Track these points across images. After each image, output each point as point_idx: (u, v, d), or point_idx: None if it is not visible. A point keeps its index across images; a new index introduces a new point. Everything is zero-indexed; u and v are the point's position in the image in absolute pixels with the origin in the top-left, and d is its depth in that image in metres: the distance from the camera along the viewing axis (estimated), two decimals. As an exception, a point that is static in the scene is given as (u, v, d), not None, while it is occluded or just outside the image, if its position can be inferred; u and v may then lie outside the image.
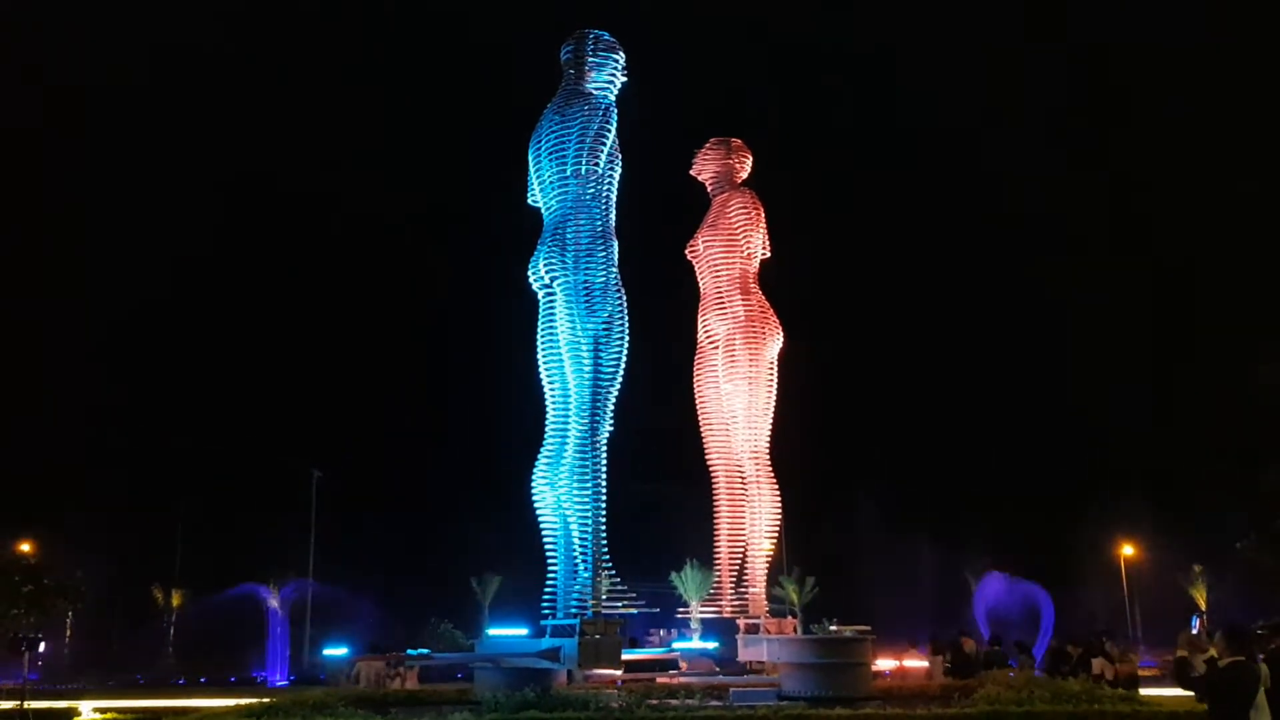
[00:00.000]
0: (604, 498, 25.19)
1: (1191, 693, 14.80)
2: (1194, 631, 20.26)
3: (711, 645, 30.79)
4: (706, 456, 32.92)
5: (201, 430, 65.55)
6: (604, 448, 25.56)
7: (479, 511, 64.29)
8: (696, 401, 33.24)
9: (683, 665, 28.55)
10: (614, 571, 25.13)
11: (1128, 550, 60.05)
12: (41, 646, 27.92)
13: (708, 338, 33.24)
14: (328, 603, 50.90)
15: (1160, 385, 67.01)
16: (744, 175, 34.46)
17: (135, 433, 64.17)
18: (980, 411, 71.11)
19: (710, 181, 34.63)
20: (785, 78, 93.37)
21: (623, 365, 26.03)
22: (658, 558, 38.71)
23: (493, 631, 26.93)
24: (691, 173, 35.08)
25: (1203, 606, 50.89)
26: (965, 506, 62.16)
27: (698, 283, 33.99)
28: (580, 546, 24.76)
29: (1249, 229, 67.44)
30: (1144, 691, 23.35)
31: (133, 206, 78.80)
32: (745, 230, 32.96)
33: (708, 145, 34.74)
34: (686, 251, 34.20)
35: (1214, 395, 58.67)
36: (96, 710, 26.19)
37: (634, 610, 26.15)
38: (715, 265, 33.17)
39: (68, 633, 52.55)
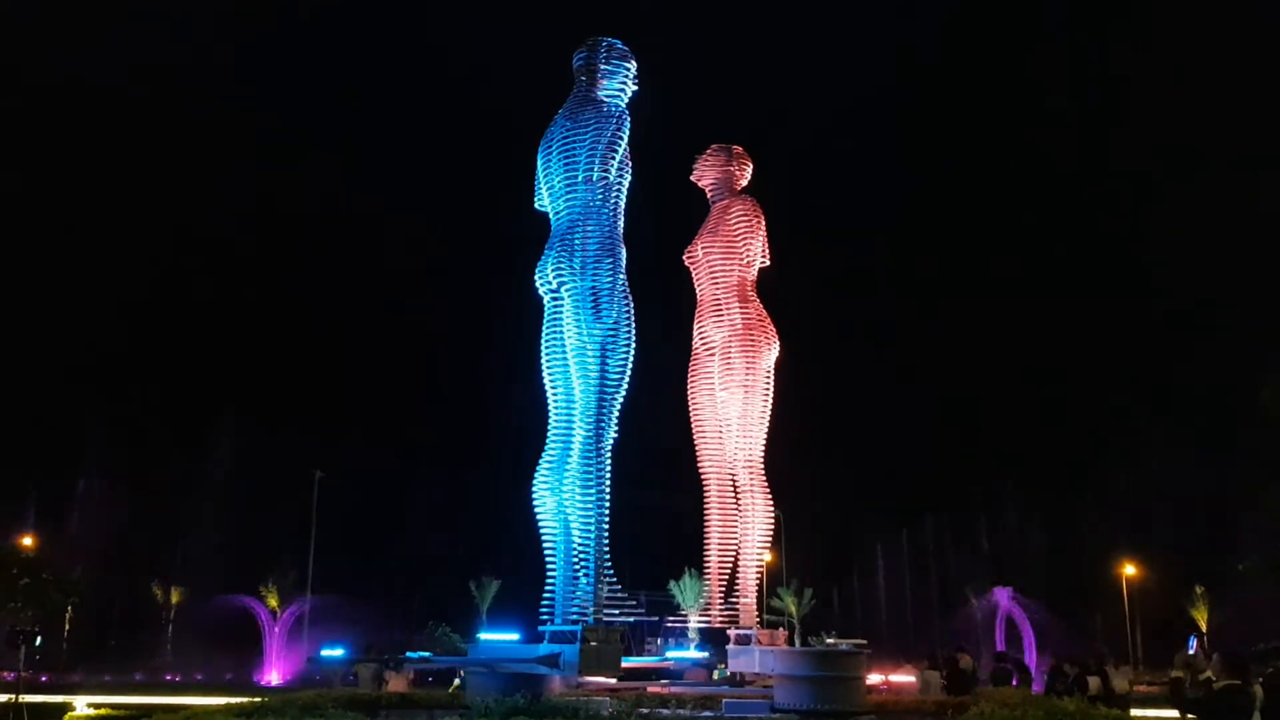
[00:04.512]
0: (607, 504, 25.10)
1: (1190, 715, 14.69)
2: (1191, 653, 20.15)
3: (703, 655, 30.64)
4: (699, 464, 32.76)
5: (203, 430, 65.70)
6: (609, 454, 25.48)
7: (477, 514, 64.32)
8: (690, 408, 33.10)
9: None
10: (614, 578, 25.06)
11: (1129, 570, 59.79)
12: (38, 640, 27.82)
13: (704, 344, 33.08)
14: (326, 604, 50.80)
15: (1160, 404, 66.76)
16: (744, 182, 34.35)
17: (136, 430, 64.31)
18: (983, 425, 71.06)
19: (710, 188, 34.51)
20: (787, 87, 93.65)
21: (629, 371, 25.99)
22: (657, 566, 38.65)
23: (485, 636, 26.77)
24: (692, 178, 34.98)
25: (1204, 628, 50.62)
26: (967, 522, 62.09)
27: (695, 289, 33.88)
28: (581, 553, 24.67)
29: (1255, 239, 67.10)
30: (1136, 713, 23.30)
31: (141, 205, 79.12)
32: (745, 237, 32.82)
33: (708, 151, 34.61)
34: (685, 257, 34.07)
35: (1214, 414, 58.44)
36: (90, 705, 26.21)
37: (631, 619, 26.03)
38: (714, 272, 33.02)
39: (66, 628, 52.55)
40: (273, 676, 47.26)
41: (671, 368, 34.46)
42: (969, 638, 44.91)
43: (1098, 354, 75.20)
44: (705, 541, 32.19)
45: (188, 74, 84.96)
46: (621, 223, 26.78)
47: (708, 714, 20.05)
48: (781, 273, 34.34)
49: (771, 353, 32.24)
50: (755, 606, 31.03)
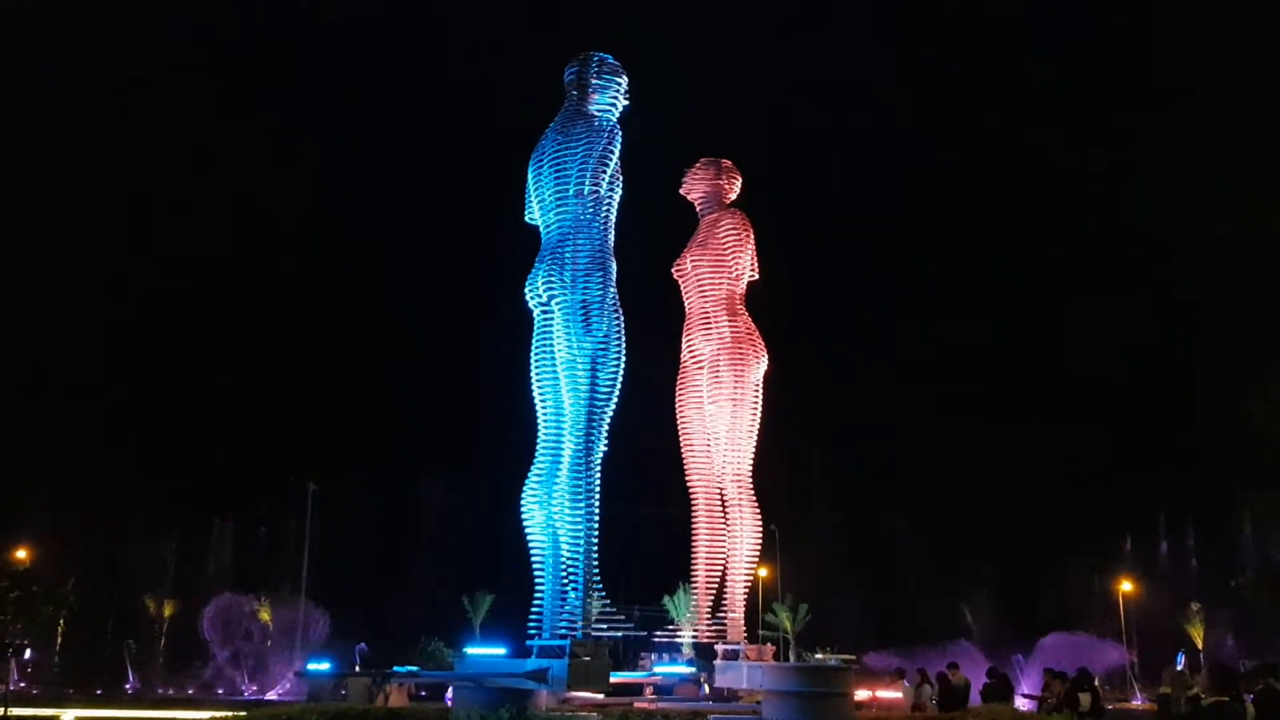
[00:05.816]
0: (597, 518, 24.97)
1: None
2: (1179, 668, 20.06)
3: (689, 670, 30.42)
4: (686, 478, 32.59)
5: (200, 442, 65.66)
6: (598, 467, 25.38)
7: (471, 527, 64.15)
8: (678, 421, 32.95)
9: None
10: (603, 592, 24.92)
11: (1126, 587, 59.61)
12: (28, 653, 27.75)
13: (692, 358, 32.97)
14: (318, 617, 50.65)
15: (1160, 422, 66.69)
16: (733, 196, 34.27)
17: (133, 444, 64.26)
18: (977, 440, 70.90)
19: (699, 201, 34.43)
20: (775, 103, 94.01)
21: (619, 384, 25.92)
22: (653, 580, 38.39)
23: (471, 650, 26.59)
24: (681, 192, 34.92)
25: (1199, 645, 50.44)
26: (961, 537, 61.88)
27: (683, 302, 33.79)
28: (571, 567, 24.53)
29: (1256, 240, 67.00)
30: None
31: (140, 215, 79.26)
32: (734, 251, 32.74)
33: (697, 165, 34.51)
34: (674, 270, 34.00)
35: (1209, 431, 58.37)
36: (78, 719, 26.08)
37: (619, 633, 25.86)
38: (703, 285, 32.91)
39: (58, 641, 52.36)
40: (269, 691, 47.08)
41: (662, 380, 34.35)
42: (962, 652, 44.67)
43: (1097, 354, 75.26)
44: (693, 556, 32.00)
45: (188, 74, 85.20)
46: (612, 236, 26.75)
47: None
48: (782, 273, 34.21)
49: (760, 366, 32.14)
50: (743, 621, 30.79)
